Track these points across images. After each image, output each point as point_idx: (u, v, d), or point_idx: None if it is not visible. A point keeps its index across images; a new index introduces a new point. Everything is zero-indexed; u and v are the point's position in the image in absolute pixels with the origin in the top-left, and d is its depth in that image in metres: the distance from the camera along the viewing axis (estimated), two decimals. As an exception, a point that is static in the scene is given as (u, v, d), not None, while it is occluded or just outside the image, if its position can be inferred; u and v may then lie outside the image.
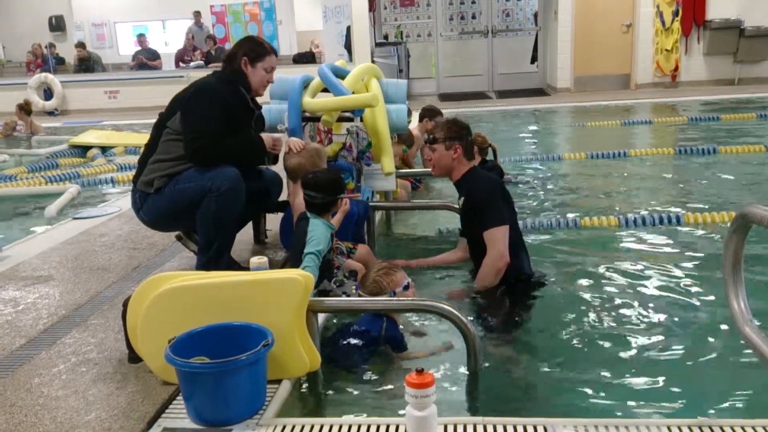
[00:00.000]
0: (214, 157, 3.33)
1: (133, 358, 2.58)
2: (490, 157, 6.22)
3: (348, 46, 13.37)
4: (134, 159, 3.80)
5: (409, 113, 6.50)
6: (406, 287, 3.04)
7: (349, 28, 13.37)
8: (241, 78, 3.52)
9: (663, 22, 12.71)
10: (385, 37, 14.92)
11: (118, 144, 8.75)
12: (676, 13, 12.62)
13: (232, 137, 3.44)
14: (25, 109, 9.96)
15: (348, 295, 3.19)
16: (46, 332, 2.98)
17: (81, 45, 15.65)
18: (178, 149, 3.35)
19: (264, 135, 3.62)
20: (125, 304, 2.57)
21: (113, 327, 2.95)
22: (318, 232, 3.11)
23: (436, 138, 3.54)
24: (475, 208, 3.46)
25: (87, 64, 15.18)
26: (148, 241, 4.25)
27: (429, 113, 6.59)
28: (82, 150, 8.54)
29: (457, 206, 4.25)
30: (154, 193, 3.35)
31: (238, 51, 3.55)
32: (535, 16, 14.65)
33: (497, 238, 3.34)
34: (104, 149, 8.55)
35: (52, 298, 3.40)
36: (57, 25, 17.25)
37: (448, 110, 11.74)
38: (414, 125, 6.69)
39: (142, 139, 3.65)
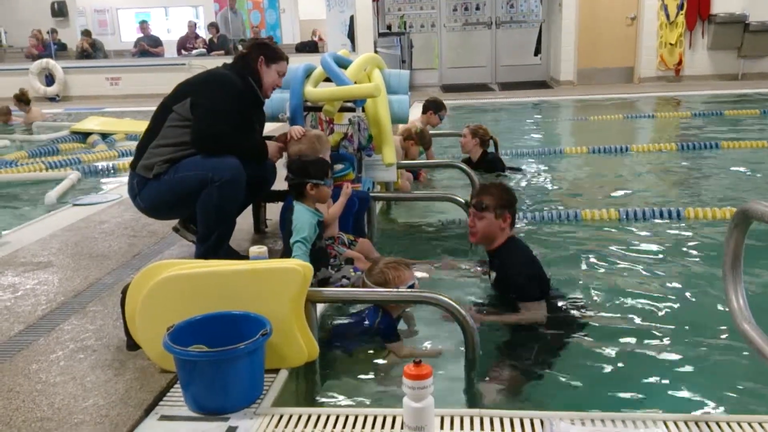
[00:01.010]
0: (220, 150, 3.33)
1: (132, 345, 2.58)
2: (491, 149, 6.23)
3: (351, 35, 13.32)
4: (135, 145, 3.79)
5: (444, 108, 6.50)
6: (411, 287, 3.01)
7: (352, 18, 13.31)
8: (254, 75, 3.55)
9: (667, 16, 12.65)
10: (389, 27, 14.86)
11: (119, 131, 8.74)
12: (680, 7, 12.56)
13: (242, 136, 3.46)
14: (22, 99, 9.81)
15: (348, 279, 3.19)
16: (45, 318, 2.99)
17: (86, 33, 15.58)
18: (182, 135, 3.34)
19: (270, 144, 3.63)
20: (124, 292, 2.56)
21: (112, 314, 2.95)
22: (301, 220, 3.12)
23: (485, 205, 3.20)
24: (508, 285, 3.20)
25: (88, 52, 15.14)
26: (148, 229, 4.25)
27: (434, 106, 6.56)
28: (83, 136, 8.53)
29: (458, 198, 4.26)
30: (153, 179, 3.34)
31: (253, 50, 3.59)
32: None
33: (532, 308, 3.12)
34: (105, 136, 8.54)
35: (51, 284, 3.40)
36: (59, 10, 17.19)
37: (451, 101, 11.69)
38: (416, 116, 6.66)
39: (143, 126, 3.63)
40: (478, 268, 3.66)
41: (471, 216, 3.28)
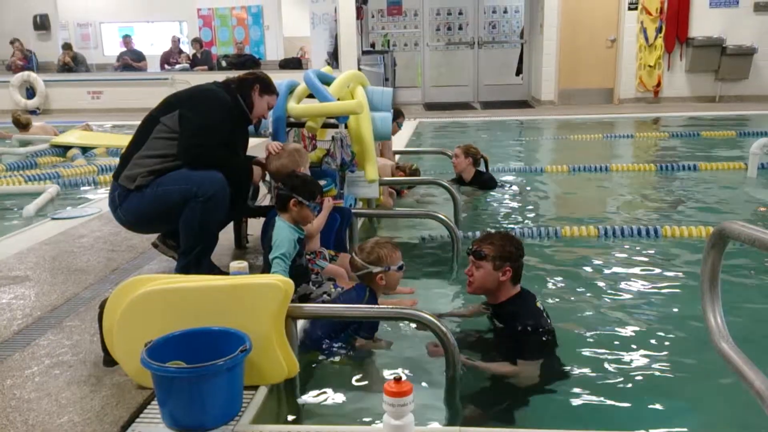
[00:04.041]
0: (206, 164, 3.33)
1: (109, 361, 2.55)
2: (481, 167, 6.28)
3: (335, 53, 13.37)
4: (116, 161, 3.79)
5: (402, 115, 6.56)
6: (401, 268, 3.08)
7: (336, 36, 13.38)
8: (246, 99, 3.58)
9: (647, 38, 12.86)
10: (372, 45, 14.96)
11: (100, 145, 8.67)
12: (659, 30, 12.79)
13: (229, 153, 3.47)
14: (19, 124, 9.59)
15: (328, 295, 3.20)
16: (20, 333, 2.94)
17: (67, 47, 15.48)
18: (168, 147, 3.33)
19: (255, 168, 3.65)
20: (102, 307, 2.54)
21: (89, 329, 2.91)
22: (281, 236, 3.13)
23: (484, 254, 2.96)
24: (515, 339, 2.93)
25: (69, 66, 15.03)
26: (128, 244, 4.21)
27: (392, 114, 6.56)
28: (63, 150, 8.45)
29: (440, 216, 4.28)
30: (135, 191, 3.31)
31: (251, 78, 3.64)
32: (521, 33, 14.78)
33: (529, 368, 2.85)
34: (85, 150, 8.47)
35: (27, 299, 3.35)
36: (41, 23, 17.06)
37: (433, 120, 11.81)
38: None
39: (125, 140, 3.61)
40: (482, 306, 3.33)
41: (470, 264, 3.05)
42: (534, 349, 2.86)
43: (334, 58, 13.02)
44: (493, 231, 3.36)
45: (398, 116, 6.58)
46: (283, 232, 3.15)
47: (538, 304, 3.03)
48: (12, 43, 15.46)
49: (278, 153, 3.62)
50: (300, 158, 3.62)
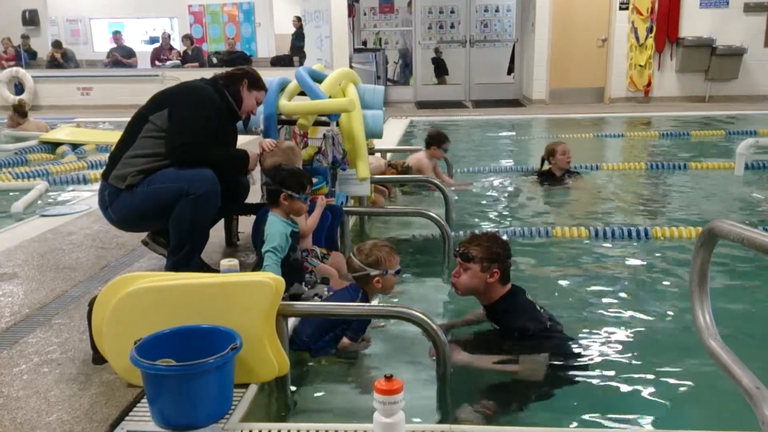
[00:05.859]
0: (195, 161, 3.31)
1: (98, 359, 2.54)
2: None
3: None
4: (105, 156, 3.78)
5: (447, 140, 6.44)
6: (398, 272, 3.06)
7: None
8: (235, 95, 3.57)
9: (637, 38, 12.93)
10: (364, 43, 14.95)
11: (90, 141, 8.62)
12: (650, 30, 12.85)
13: (219, 148, 3.46)
14: (19, 111, 9.55)
15: (320, 297, 3.19)
16: (9, 331, 2.92)
17: (57, 45, 15.38)
18: (157, 146, 3.31)
19: (251, 153, 3.63)
20: (91, 304, 2.52)
21: (78, 327, 2.90)
22: (272, 230, 3.12)
23: (472, 256, 2.95)
24: (510, 338, 2.92)
25: (59, 63, 14.94)
26: (117, 241, 4.19)
27: (437, 141, 6.29)
28: (53, 147, 8.40)
29: (432, 213, 4.28)
30: (125, 191, 3.29)
31: (239, 74, 3.64)
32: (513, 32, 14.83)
33: (532, 362, 2.86)
34: (75, 146, 8.42)
35: (15, 296, 3.33)
36: (30, 19, 16.97)
37: (425, 118, 11.81)
38: (421, 153, 6.48)
39: (115, 136, 3.59)
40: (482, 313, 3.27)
41: (457, 266, 3.04)
42: (531, 345, 2.86)
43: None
44: (479, 232, 3.36)
45: (444, 141, 6.31)
46: (275, 225, 3.14)
47: (529, 297, 3.04)
48: (22, 38, 15.39)
49: (272, 151, 3.61)
50: (294, 156, 3.63)
